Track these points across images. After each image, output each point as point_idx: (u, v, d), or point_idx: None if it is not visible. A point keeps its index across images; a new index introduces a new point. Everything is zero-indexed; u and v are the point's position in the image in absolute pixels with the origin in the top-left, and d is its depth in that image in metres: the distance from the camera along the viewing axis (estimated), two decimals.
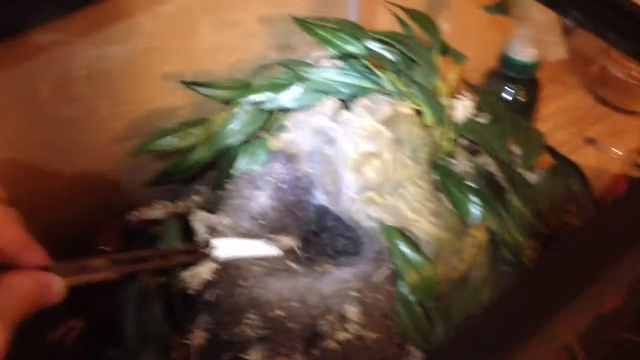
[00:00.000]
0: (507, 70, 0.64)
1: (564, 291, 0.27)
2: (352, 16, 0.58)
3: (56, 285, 0.30)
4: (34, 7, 0.41)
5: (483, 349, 0.25)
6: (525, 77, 0.64)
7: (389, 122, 0.44)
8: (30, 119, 0.49)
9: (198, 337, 0.49)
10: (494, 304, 0.28)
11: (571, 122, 0.85)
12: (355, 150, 0.43)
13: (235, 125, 0.54)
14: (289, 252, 0.48)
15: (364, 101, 0.44)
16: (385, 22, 0.53)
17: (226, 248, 0.42)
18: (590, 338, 0.56)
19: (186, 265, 0.49)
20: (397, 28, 0.53)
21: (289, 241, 0.43)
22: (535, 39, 0.59)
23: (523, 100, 0.66)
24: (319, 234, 0.52)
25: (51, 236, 0.34)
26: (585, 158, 0.77)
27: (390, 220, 0.44)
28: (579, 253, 0.29)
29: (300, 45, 0.60)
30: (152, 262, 0.42)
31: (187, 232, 0.51)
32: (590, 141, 0.81)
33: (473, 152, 0.47)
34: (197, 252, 0.43)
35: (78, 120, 0.52)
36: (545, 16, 0.56)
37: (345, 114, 0.44)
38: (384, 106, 0.44)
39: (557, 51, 0.58)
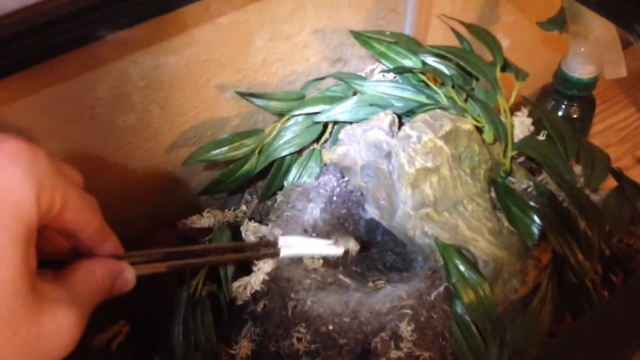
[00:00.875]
0: (563, 87, 0.63)
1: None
2: (408, 30, 0.58)
3: (129, 274, 0.31)
4: (100, 19, 0.42)
5: None
6: (581, 94, 0.63)
7: (449, 138, 0.43)
8: (88, 125, 0.49)
9: (244, 347, 0.49)
10: (563, 338, 0.27)
11: (622, 141, 0.83)
12: (412, 166, 0.43)
13: (288, 137, 0.54)
14: (342, 264, 0.47)
15: (423, 116, 0.44)
16: (442, 37, 0.53)
17: (291, 246, 0.42)
18: None
19: (239, 274, 0.49)
20: (454, 43, 0.53)
21: (350, 244, 0.43)
22: (594, 56, 0.58)
23: (577, 117, 0.64)
24: (369, 248, 0.51)
25: None
26: (637, 178, 0.74)
27: (447, 238, 0.43)
28: None
29: (353, 59, 0.60)
30: (223, 257, 0.42)
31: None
32: None
33: (532, 170, 0.46)
34: (268, 248, 0.43)
35: (133, 128, 0.53)
36: (607, 33, 0.55)
37: (404, 128, 0.44)
38: (444, 121, 0.43)
39: (617, 69, 0.56)
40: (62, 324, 0.25)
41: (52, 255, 0.29)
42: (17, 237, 0.23)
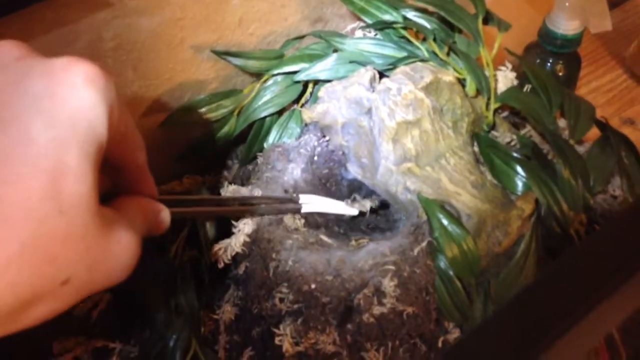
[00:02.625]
0: (547, 44, 0.62)
1: (610, 275, 0.25)
2: None
3: (165, 215, 0.31)
4: None
5: (522, 332, 0.24)
6: (566, 51, 0.62)
7: (430, 89, 0.42)
8: None
9: (227, 312, 0.48)
10: (536, 284, 0.26)
11: (608, 102, 0.82)
12: (393, 119, 0.41)
13: (267, 97, 0.52)
14: (323, 225, 0.47)
15: (403, 68, 0.43)
16: None
17: (309, 203, 0.42)
18: (633, 329, 0.54)
19: (219, 237, 0.48)
20: None
21: (367, 204, 0.43)
22: (579, 10, 0.56)
23: (563, 75, 0.63)
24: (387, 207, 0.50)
25: None
26: None
27: (429, 193, 0.42)
28: (630, 235, 0.26)
29: (334, 18, 0.58)
30: (250, 207, 0.42)
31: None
32: (629, 122, 0.78)
33: (515, 125, 0.45)
34: (290, 202, 0.44)
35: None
36: None
37: (383, 81, 0.42)
38: (425, 73, 0.42)
39: (602, 22, 0.55)
40: (126, 246, 0.25)
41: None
42: (91, 155, 0.23)
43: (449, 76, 0.43)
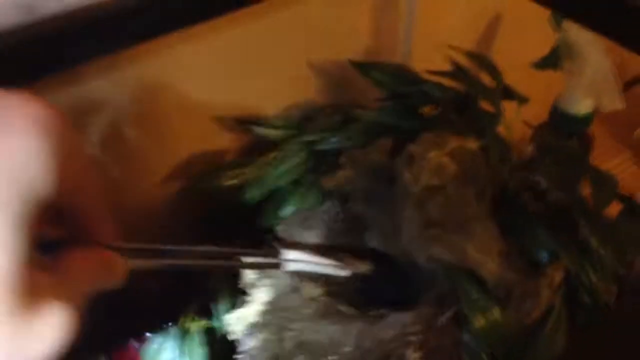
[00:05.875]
0: (559, 124, 0.63)
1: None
2: (405, 61, 0.59)
3: (121, 268, 0.27)
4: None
5: None
6: (578, 130, 0.63)
7: (454, 155, 0.42)
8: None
9: None
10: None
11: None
12: (417, 184, 0.41)
13: (287, 166, 0.52)
14: (342, 295, 0.45)
15: (427, 135, 0.43)
16: (440, 67, 0.53)
17: (295, 261, 0.39)
18: None
19: (233, 305, 0.46)
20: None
21: (360, 266, 0.41)
22: (591, 90, 0.58)
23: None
24: (372, 280, 0.49)
25: None
26: None
27: (454, 261, 0.41)
28: None
29: (355, 90, 0.60)
30: (223, 262, 0.39)
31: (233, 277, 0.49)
32: None
33: (540, 193, 0.45)
34: (269, 257, 0.40)
35: (125, 159, 0.52)
36: (603, 65, 0.55)
37: (408, 146, 0.43)
38: (449, 139, 0.42)
39: (614, 101, 0.56)
40: (55, 326, 0.22)
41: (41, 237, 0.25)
42: (21, 218, 0.20)
43: (472, 143, 0.43)
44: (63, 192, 0.22)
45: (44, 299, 0.21)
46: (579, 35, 0.57)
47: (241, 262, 0.41)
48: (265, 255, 0.42)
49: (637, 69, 0.92)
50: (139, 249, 0.30)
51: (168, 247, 0.32)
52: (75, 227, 0.26)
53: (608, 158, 0.88)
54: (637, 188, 0.82)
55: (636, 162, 0.86)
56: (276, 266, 0.40)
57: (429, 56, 0.52)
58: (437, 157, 0.41)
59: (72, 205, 0.24)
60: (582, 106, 0.60)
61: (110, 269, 0.26)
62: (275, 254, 0.40)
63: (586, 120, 0.62)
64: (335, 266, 0.41)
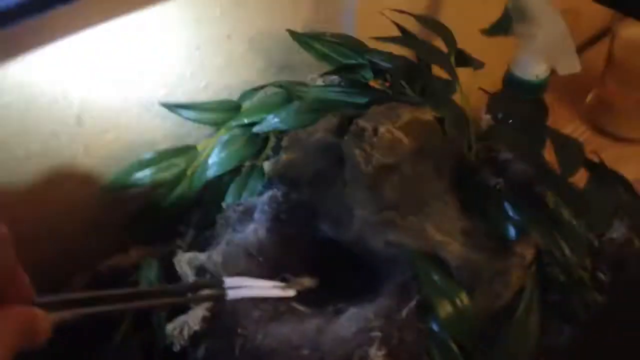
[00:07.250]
0: (514, 90, 0.60)
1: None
2: (349, 31, 0.54)
3: (43, 324, 0.27)
4: None
5: None
6: (533, 97, 0.60)
7: (408, 129, 0.38)
8: None
9: None
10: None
11: None
12: (370, 164, 0.37)
13: (225, 153, 0.47)
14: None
15: (377, 108, 0.39)
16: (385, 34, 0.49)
17: (237, 287, 0.37)
18: None
19: (174, 314, 0.41)
20: None
21: (304, 282, 0.38)
22: (545, 54, 0.55)
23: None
24: (325, 271, 0.44)
25: None
26: None
27: (414, 244, 0.38)
28: None
29: (300, 66, 0.55)
30: (156, 301, 0.36)
31: (172, 279, 0.44)
32: None
33: (503, 164, 0.41)
34: (209, 290, 0.38)
35: (44, 155, 0.46)
36: (557, 28, 0.52)
37: (356, 121, 0.38)
38: (401, 111, 0.38)
39: (571, 64, 0.53)
40: None
41: None
42: None
43: (426, 115, 0.39)
44: None
45: None
46: None
47: (185, 297, 0.38)
48: (206, 286, 0.39)
49: (589, 32, 0.90)
50: (58, 301, 0.29)
51: (91, 293, 0.30)
52: None
53: (561, 125, 0.86)
54: (592, 155, 0.81)
55: (589, 128, 0.84)
56: (220, 297, 0.37)
57: (375, 24, 0.48)
58: (389, 132, 0.37)
59: None
60: (536, 71, 0.57)
61: (32, 326, 0.26)
62: (217, 283, 0.37)
63: (542, 85, 0.59)
64: (280, 287, 0.39)
